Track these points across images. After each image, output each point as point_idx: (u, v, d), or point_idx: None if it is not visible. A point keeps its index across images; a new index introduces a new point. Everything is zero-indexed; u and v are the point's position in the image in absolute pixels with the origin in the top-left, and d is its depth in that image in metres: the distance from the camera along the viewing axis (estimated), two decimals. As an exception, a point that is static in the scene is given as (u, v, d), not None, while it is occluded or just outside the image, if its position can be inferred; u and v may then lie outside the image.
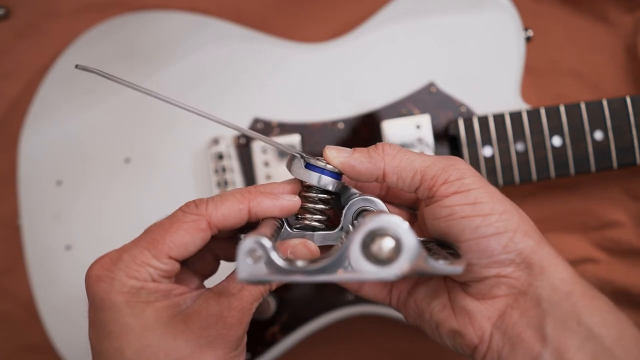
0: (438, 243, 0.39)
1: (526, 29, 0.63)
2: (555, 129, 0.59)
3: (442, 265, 0.31)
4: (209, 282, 0.41)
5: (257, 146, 0.63)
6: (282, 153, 0.63)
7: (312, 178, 0.39)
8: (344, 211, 0.41)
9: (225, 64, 0.65)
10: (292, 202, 0.38)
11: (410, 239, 0.29)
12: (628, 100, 0.59)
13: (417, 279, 0.41)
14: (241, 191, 0.37)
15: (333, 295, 0.62)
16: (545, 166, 0.59)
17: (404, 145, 0.60)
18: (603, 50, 0.69)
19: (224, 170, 0.63)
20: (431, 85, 0.63)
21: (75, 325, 0.63)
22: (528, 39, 0.63)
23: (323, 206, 0.41)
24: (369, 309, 0.62)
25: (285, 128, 0.64)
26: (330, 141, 0.63)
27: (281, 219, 0.40)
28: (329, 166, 0.39)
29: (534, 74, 0.69)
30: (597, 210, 0.68)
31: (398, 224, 0.29)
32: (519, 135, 0.60)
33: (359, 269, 0.30)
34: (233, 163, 0.64)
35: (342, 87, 0.64)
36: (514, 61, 0.62)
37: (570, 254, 0.68)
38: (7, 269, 0.71)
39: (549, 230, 0.69)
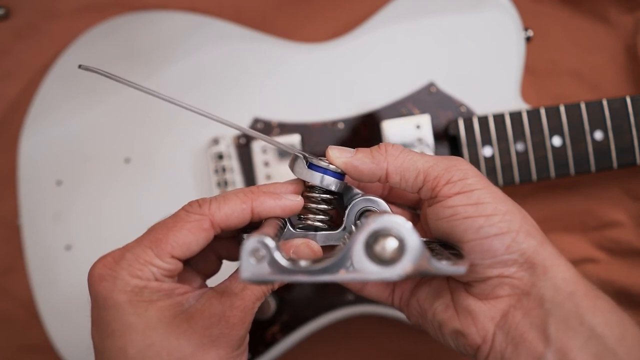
0: (441, 243, 0.39)
1: (526, 29, 0.63)
2: (555, 129, 0.59)
3: (445, 266, 0.31)
4: (212, 282, 0.41)
5: (257, 146, 0.63)
6: (282, 153, 0.63)
7: (315, 178, 0.39)
8: (346, 211, 0.41)
9: (225, 64, 0.65)
10: (295, 202, 0.38)
11: (413, 240, 0.29)
12: (628, 100, 0.59)
13: (419, 279, 0.41)
14: (244, 191, 0.37)
15: (333, 295, 0.62)
16: (545, 166, 0.59)
17: (404, 146, 0.60)
18: (603, 50, 0.69)
19: (224, 170, 0.63)
20: (431, 85, 0.63)
21: (75, 325, 0.63)
22: (528, 39, 0.63)
23: (326, 206, 0.41)
24: (369, 309, 0.62)
25: (285, 128, 0.64)
26: (330, 141, 0.63)
27: (284, 219, 0.40)
28: (331, 166, 0.39)
29: (534, 74, 0.69)
30: (597, 210, 0.68)
31: (401, 224, 0.29)
32: (519, 135, 0.60)
33: (362, 269, 0.29)
34: (233, 163, 0.63)
35: (342, 87, 0.64)
36: (514, 61, 0.62)
37: (571, 254, 0.68)
38: (7, 269, 0.71)
39: (549, 230, 0.69)
